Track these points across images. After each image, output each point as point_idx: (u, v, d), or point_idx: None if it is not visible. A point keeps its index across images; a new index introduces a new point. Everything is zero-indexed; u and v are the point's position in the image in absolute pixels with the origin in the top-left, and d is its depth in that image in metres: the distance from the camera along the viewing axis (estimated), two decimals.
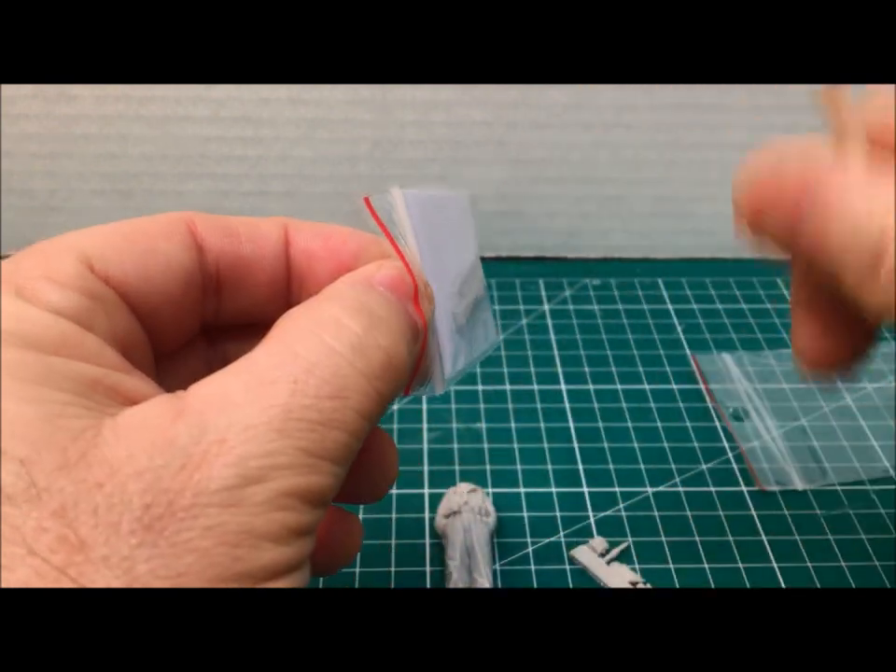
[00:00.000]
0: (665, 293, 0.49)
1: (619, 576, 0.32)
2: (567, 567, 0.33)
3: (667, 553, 0.34)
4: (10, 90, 0.47)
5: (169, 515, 0.15)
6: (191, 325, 0.22)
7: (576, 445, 0.39)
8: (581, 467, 0.38)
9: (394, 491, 0.36)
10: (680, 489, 0.37)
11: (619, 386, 0.43)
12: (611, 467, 0.38)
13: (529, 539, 0.34)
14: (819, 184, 0.20)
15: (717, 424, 0.40)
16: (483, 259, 0.57)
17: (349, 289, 0.20)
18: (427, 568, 0.33)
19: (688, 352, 0.45)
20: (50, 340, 0.17)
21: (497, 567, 0.33)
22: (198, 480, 0.15)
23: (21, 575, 0.14)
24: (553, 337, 0.46)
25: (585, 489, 0.37)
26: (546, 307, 0.48)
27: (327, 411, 0.17)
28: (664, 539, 0.34)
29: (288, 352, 0.18)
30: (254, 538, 0.16)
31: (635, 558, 0.34)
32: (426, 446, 0.39)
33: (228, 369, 0.18)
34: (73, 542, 0.15)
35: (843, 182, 0.20)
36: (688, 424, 0.40)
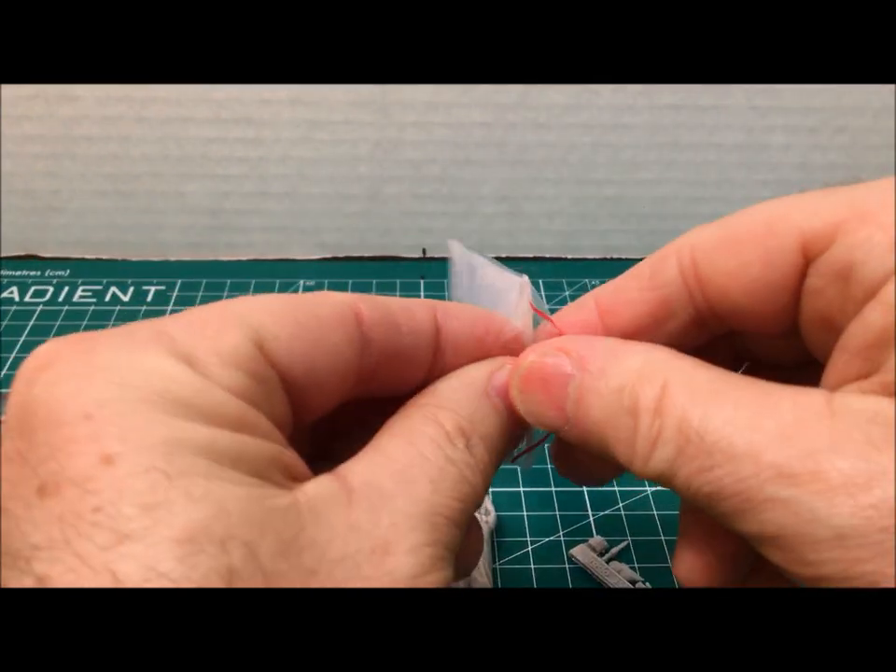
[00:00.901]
0: None
1: (618, 575, 0.33)
2: (567, 566, 0.33)
3: (667, 552, 0.34)
4: (12, 90, 0.47)
5: None
6: (335, 404, 0.22)
7: None
8: None
9: None
10: None
11: None
12: None
13: (529, 539, 0.34)
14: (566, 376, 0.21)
15: None
16: None
17: (466, 402, 0.21)
18: None
19: None
20: (233, 418, 0.17)
21: (497, 565, 0.33)
22: (391, 568, 0.17)
23: None
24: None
25: (585, 488, 0.37)
26: (546, 307, 0.48)
27: (454, 511, 0.19)
28: (663, 538, 0.35)
29: (418, 454, 0.19)
30: None
31: (634, 557, 0.34)
32: None
33: (366, 455, 0.19)
34: None
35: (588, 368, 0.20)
36: None
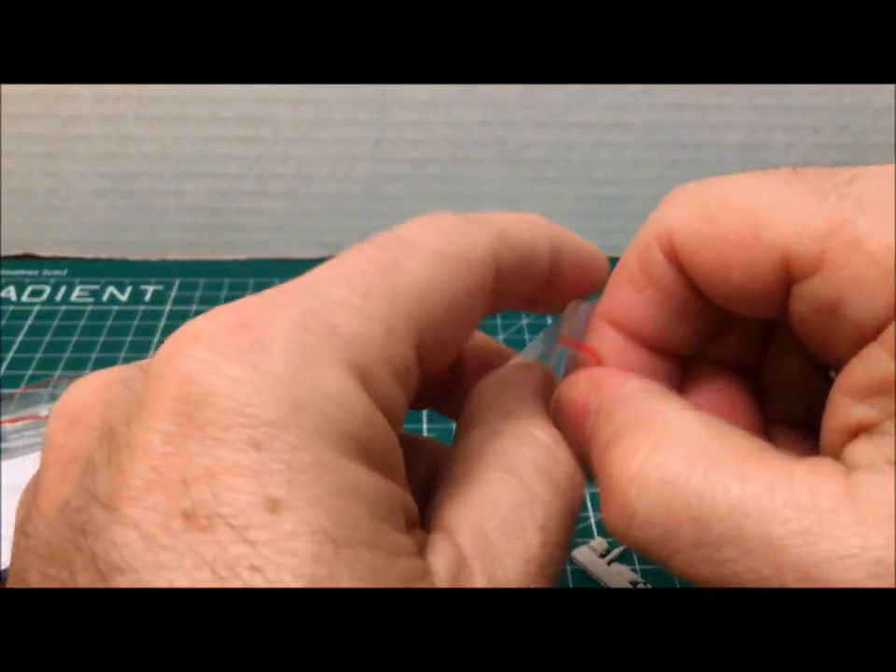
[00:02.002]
0: None
1: (619, 576, 0.32)
2: (568, 567, 0.33)
3: None
4: (10, 90, 0.47)
5: None
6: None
7: None
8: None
9: None
10: None
11: None
12: None
13: None
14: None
15: None
16: None
17: (545, 410, 0.20)
18: None
19: None
20: (386, 460, 0.15)
21: None
22: None
23: None
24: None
25: (586, 489, 0.37)
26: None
27: (556, 562, 0.17)
28: None
29: (521, 486, 0.17)
30: None
31: (635, 558, 0.34)
32: None
33: (469, 501, 0.17)
34: None
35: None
36: None
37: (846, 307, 0.16)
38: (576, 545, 0.34)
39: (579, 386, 0.19)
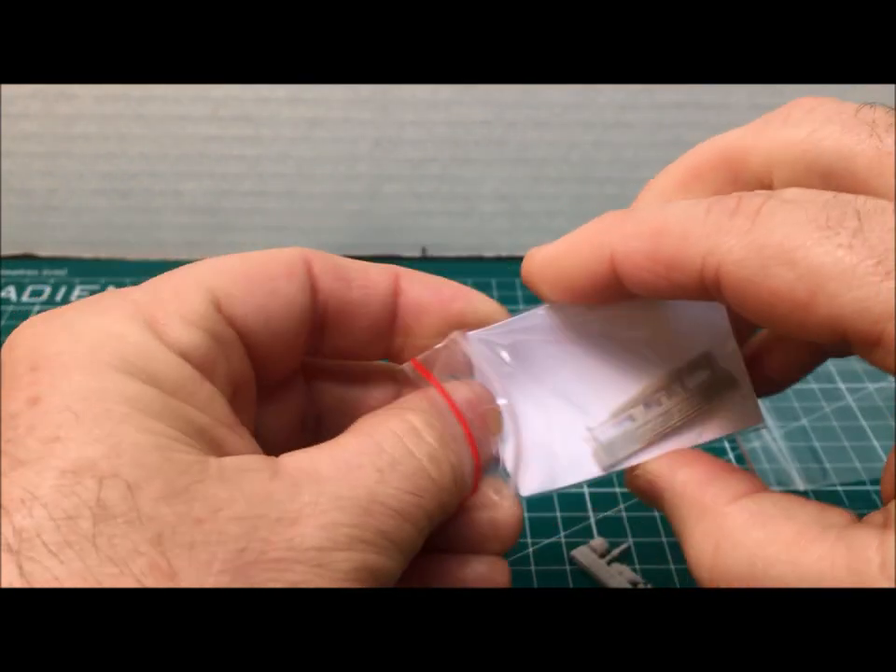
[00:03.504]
0: None
1: (619, 576, 0.32)
2: (568, 567, 0.33)
3: (668, 553, 0.34)
4: (10, 89, 0.47)
5: (260, 563, 0.16)
6: (296, 360, 0.23)
7: None
8: None
9: None
10: None
11: None
12: None
13: (530, 540, 0.34)
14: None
15: None
16: (483, 259, 0.57)
17: (428, 408, 0.21)
18: None
19: None
20: (171, 382, 0.18)
21: None
22: (292, 536, 0.16)
23: None
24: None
25: (586, 489, 0.37)
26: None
27: (405, 503, 0.18)
28: (664, 539, 0.34)
29: (373, 444, 0.19)
30: None
31: (635, 558, 0.34)
32: None
33: (317, 447, 0.19)
34: (164, 570, 0.15)
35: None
36: None
37: None
38: (576, 545, 0.34)
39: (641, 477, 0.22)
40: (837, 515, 0.18)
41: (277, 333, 0.21)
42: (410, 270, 0.23)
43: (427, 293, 0.23)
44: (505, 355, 0.23)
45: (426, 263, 0.53)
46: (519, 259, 0.58)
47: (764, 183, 0.21)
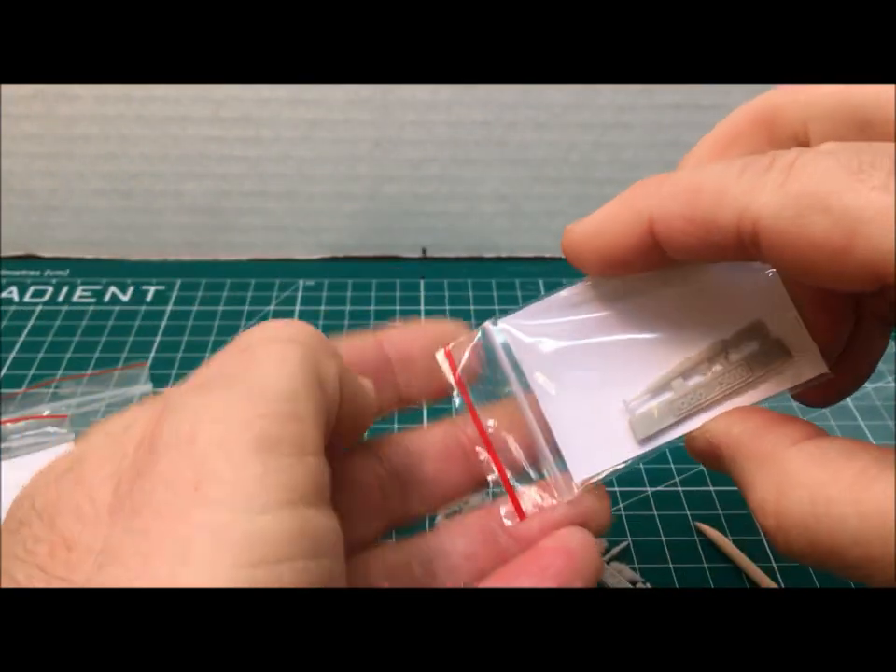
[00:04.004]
0: None
1: (619, 575, 0.32)
2: None
3: (667, 552, 0.34)
4: (11, 90, 0.47)
5: None
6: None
7: None
8: None
9: None
10: (680, 489, 0.37)
11: None
12: None
13: None
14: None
15: None
16: (483, 259, 0.57)
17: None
18: None
19: None
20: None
21: None
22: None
23: None
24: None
25: None
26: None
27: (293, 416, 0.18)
28: (663, 538, 0.35)
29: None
30: None
31: (634, 557, 0.34)
32: None
33: None
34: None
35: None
36: None
37: None
38: None
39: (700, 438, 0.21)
40: None
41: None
42: (386, 331, 0.24)
43: (407, 337, 0.24)
44: (538, 339, 0.23)
45: (426, 263, 0.53)
46: (519, 260, 0.58)
47: (801, 140, 0.20)
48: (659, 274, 0.22)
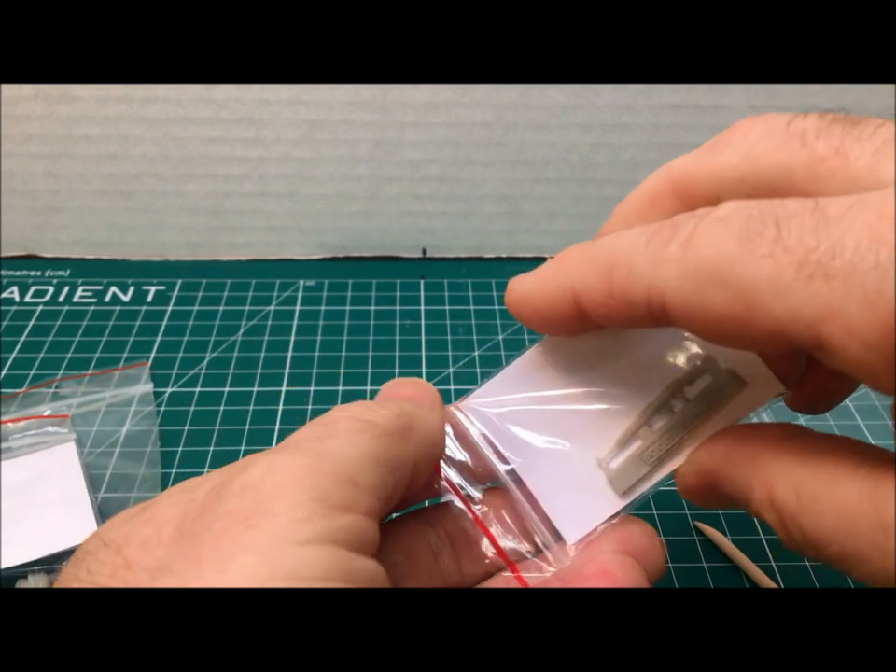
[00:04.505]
0: None
1: None
2: None
3: (667, 552, 0.34)
4: (12, 90, 0.47)
5: None
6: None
7: None
8: None
9: None
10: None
11: None
12: None
13: None
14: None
15: None
16: (483, 260, 0.57)
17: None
18: None
19: None
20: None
21: None
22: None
23: None
24: None
25: None
26: None
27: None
28: (663, 538, 0.34)
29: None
30: None
31: None
32: None
33: None
34: None
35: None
36: None
37: (860, 379, 0.16)
38: None
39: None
40: (877, 452, 0.18)
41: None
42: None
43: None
44: (502, 415, 0.24)
45: (426, 263, 0.53)
46: (519, 260, 0.58)
47: (716, 204, 0.21)
48: (605, 329, 0.22)
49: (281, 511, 0.17)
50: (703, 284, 0.17)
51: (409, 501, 0.24)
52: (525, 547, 0.24)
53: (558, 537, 0.23)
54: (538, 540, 0.24)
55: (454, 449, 0.24)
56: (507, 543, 0.24)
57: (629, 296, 0.19)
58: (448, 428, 0.24)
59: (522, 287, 0.22)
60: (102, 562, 0.18)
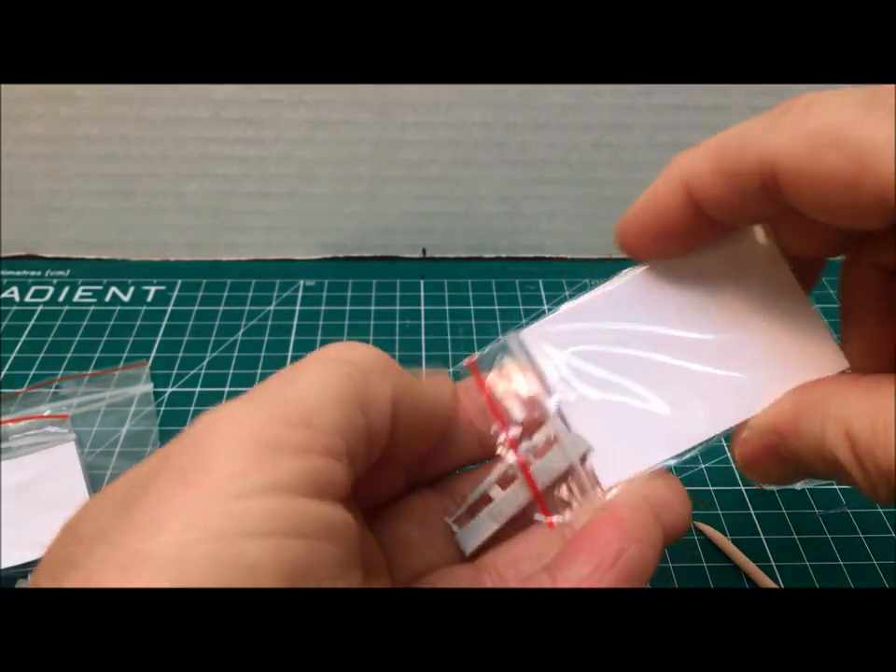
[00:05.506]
0: None
1: None
2: None
3: (666, 552, 0.34)
4: (12, 90, 0.47)
5: None
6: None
7: None
8: None
9: None
10: None
11: None
12: None
13: None
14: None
15: None
16: (483, 260, 0.57)
17: None
18: None
19: None
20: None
21: None
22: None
23: None
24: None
25: None
26: (546, 307, 0.48)
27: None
28: None
29: None
30: None
31: None
32: None
33: None
34: None
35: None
36: None
37: None
38: None
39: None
40: None
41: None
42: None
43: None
44: (564, 347, 0.23)
45: (426, 263, 0.53)
46: (519, 260, 0.58)
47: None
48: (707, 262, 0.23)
49: (219, 466, 0.16)
50: (817, 146, 0.17)
51: (444, 462, 0.24)
52: (555, 480, 0.23)
53: (592, 475, 0.22)
54: (573, 485, 0.23)
55: (500, 382, 0.24)
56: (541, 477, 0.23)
57: (741, 166, 0.19)
58: (499, 350, 0.24)
59: (632, 209, 0.23)
60: (64, 545, 0.18)
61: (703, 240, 0.22)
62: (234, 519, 0.16)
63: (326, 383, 0.19)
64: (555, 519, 0.23)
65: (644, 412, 0.23)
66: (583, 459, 0.23)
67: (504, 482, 0.23)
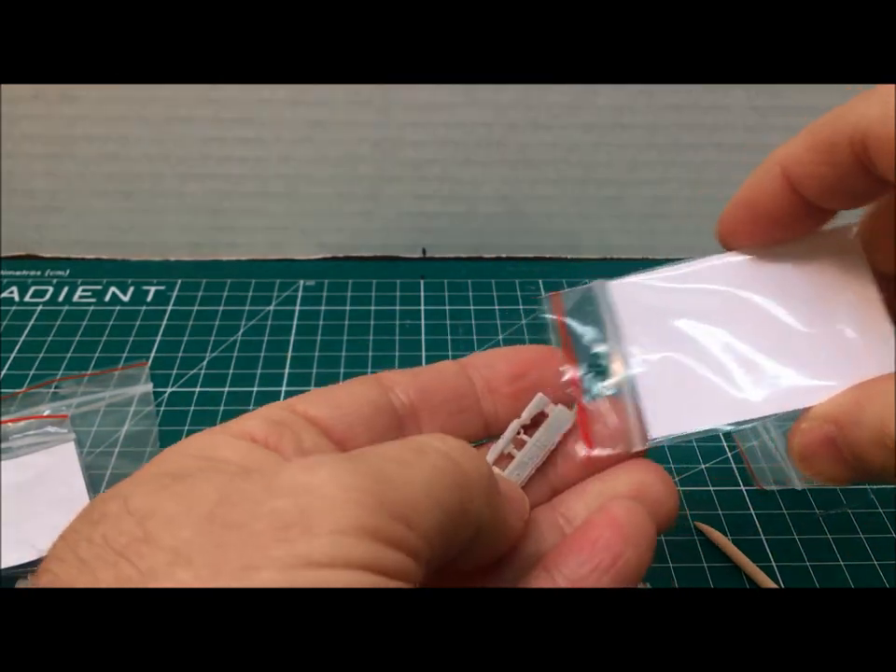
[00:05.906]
0: None
1: None
2: None
3: (667, 552, 0.34)
4: (12, 90, 0.47)
5: None
6: None
7: None
8: None
9: None
10: (679, 488, 0.37)
11: None
12: None
13: None
14: None
15: None
16: (483, 260, 0.57)
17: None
18: None
19: None
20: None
21: None
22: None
23: None
24: (553, 337, 0.46)
25: None
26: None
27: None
28: (663, 538, 0.35)
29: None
30: None
31: None
32: None
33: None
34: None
35: None
36: None
37: None
38: None
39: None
40: None
41: (352, 416, 0.22)
42: (470, 356, 0.26)
43: (491, 359, 0.25)
44: (643, 307, 0.25)
45: (426, 263, 0.53)
46: (519, 260, 0.58)
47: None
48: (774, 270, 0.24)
49: (321, 532, 0.16)
50: None
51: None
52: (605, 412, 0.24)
53: (641, 421, 0.23)
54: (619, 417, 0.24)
55: (580, 311, 0.25)
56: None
57: (834, 137, 0.20)
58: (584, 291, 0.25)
59: (731, 201, 0.24)
60: (120, 531, 0.17)
61: (801, 228, 0.23)
62: (321, 583, 0.16)
63: (437, 487, 0.19)
64: (596, 452, 0.24)
65: (709, 379, 0.23)
66: (637, 408, 0.24)
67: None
